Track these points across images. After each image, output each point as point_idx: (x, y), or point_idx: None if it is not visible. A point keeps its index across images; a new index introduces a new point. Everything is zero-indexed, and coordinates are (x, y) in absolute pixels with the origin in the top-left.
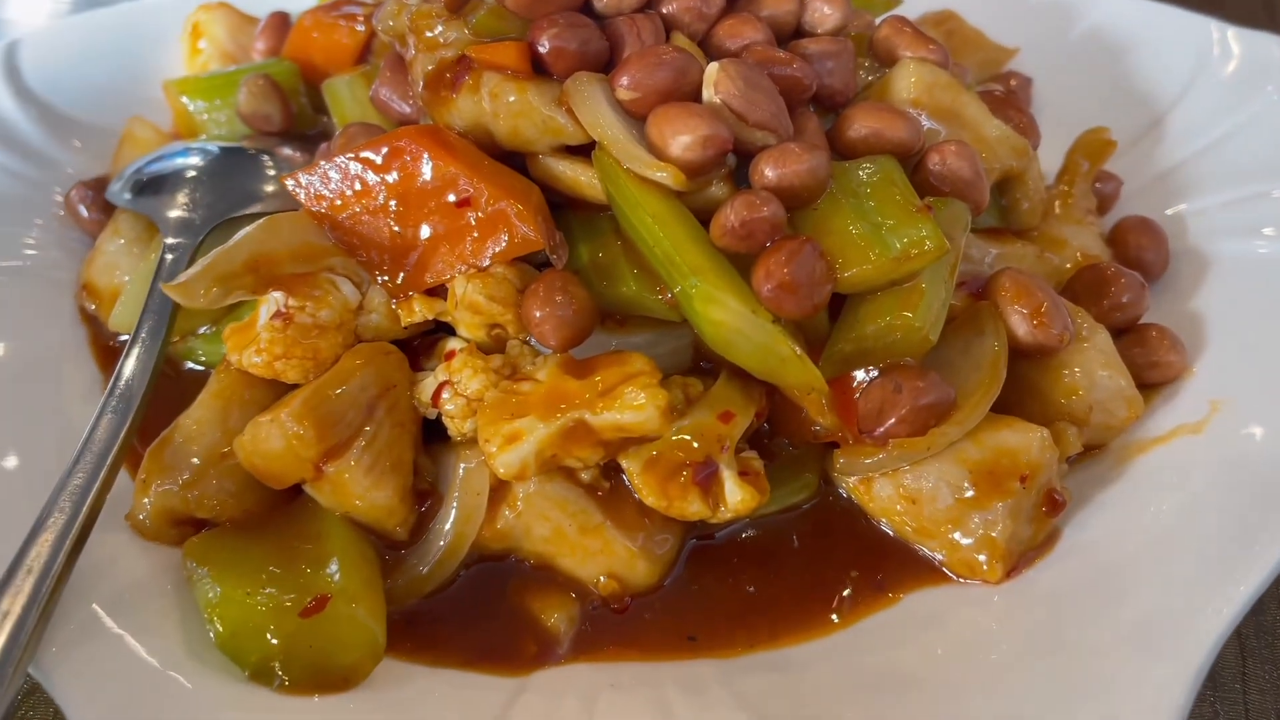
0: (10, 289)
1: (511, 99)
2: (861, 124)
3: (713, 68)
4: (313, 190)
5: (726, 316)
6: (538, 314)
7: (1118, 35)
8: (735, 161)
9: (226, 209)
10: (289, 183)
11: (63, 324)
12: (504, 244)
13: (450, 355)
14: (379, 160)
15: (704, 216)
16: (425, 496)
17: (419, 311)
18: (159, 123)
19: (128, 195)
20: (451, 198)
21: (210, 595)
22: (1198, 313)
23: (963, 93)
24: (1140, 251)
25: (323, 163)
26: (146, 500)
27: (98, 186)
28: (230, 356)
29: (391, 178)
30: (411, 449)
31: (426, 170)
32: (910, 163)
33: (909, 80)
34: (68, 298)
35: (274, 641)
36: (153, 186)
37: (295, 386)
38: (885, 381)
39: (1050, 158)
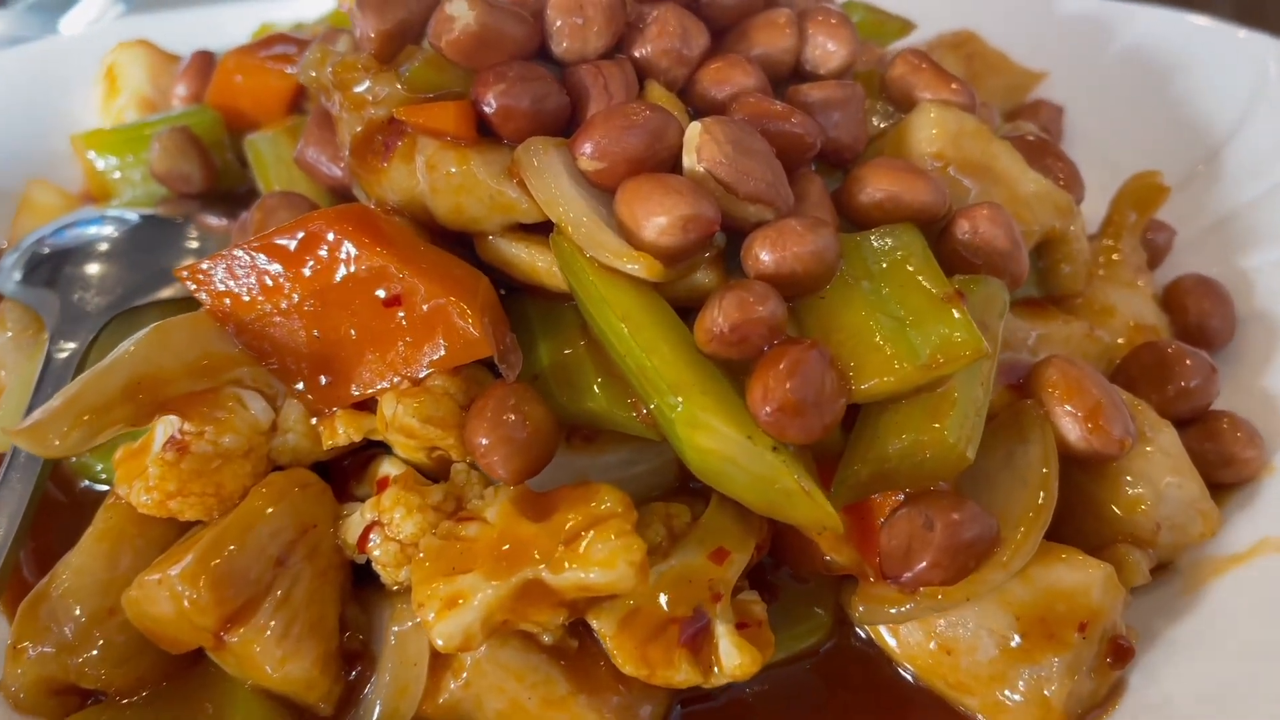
0: None
1: (452, 170)
2: (875, 187)
3: (694, 129)
4: (214, 286)
5: (716, 444)
6: (484, 441)
7: (1160, 55)
8: (725, 240)
9: (127, 296)
10: (184, 275)
11: None
12: (442, 351)
13: (383, 483)
14: (292, 249)
15: (688, 309)
16: (354, 659)
17: (343, 432)
18: (66, 183)
19: (16, 278)
20: (379, 294)
21: None
22: (1272, 392)
23: (993, 141)
24: (1202, 318)
25: (226, 254)
26: (19, 670)
27: None
28: (119, 489)
29: (307, 271)
30: (336, 602)
31: (348, 261)
32: (934, 229)
33: (930, 129)
34: None
35: None
36: (45, 268)
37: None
38: (913, 514)
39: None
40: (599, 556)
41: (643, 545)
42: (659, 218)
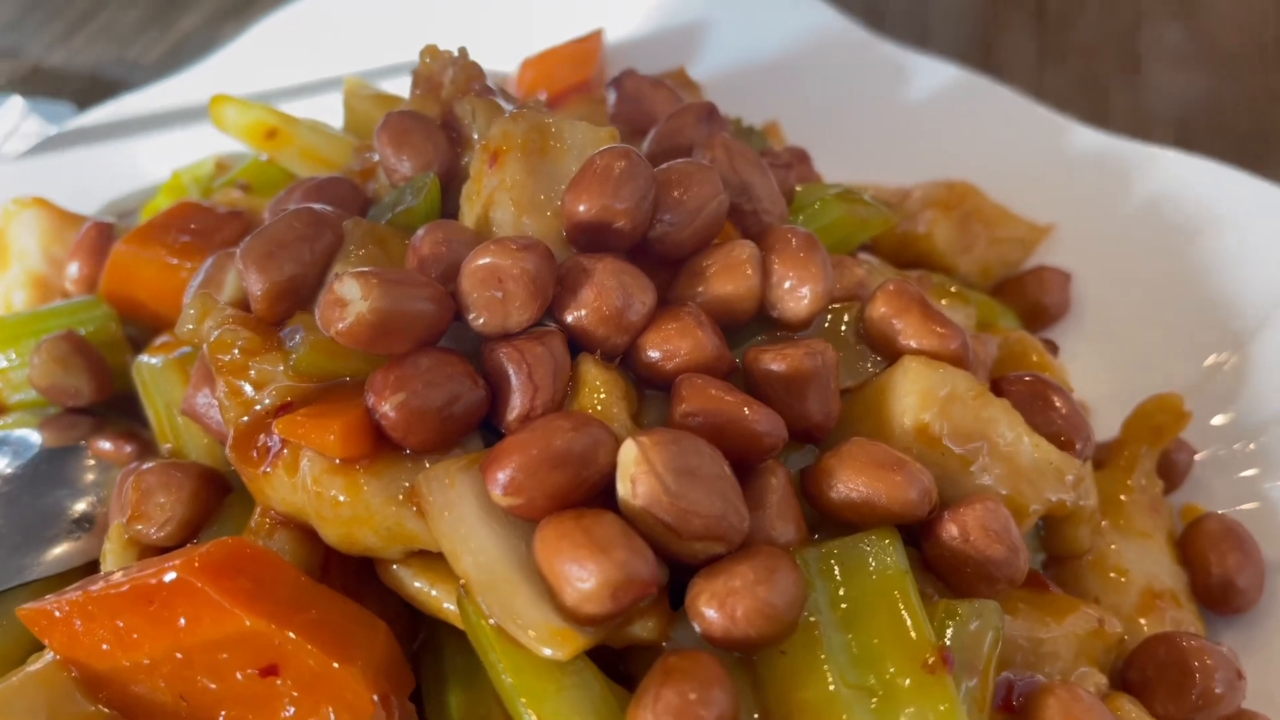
0: None
1: (340, 499)
2: (845, 485)
3: (629, 452)
4: (67, 634)
5: None
6: None
7: (1186, 210)
8: (667, 575)
9: None
10: (28, 618)
11: None
12: None
13: None
14: (149, 600)
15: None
16: None
17: None
18: None
19: None
20: (254, 660)
21: None
22: None
23: (989, 403)
24: (1227, 576)
25: (75, 598)
26: None
27: None
28: None
29: (172, 627)
30: None
31: (212, 623)
32: (915, 527)
33: (913, 396)
34: None
35: None
36: None
37: None
38: None
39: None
40: None
41: None
42: (584, 583)
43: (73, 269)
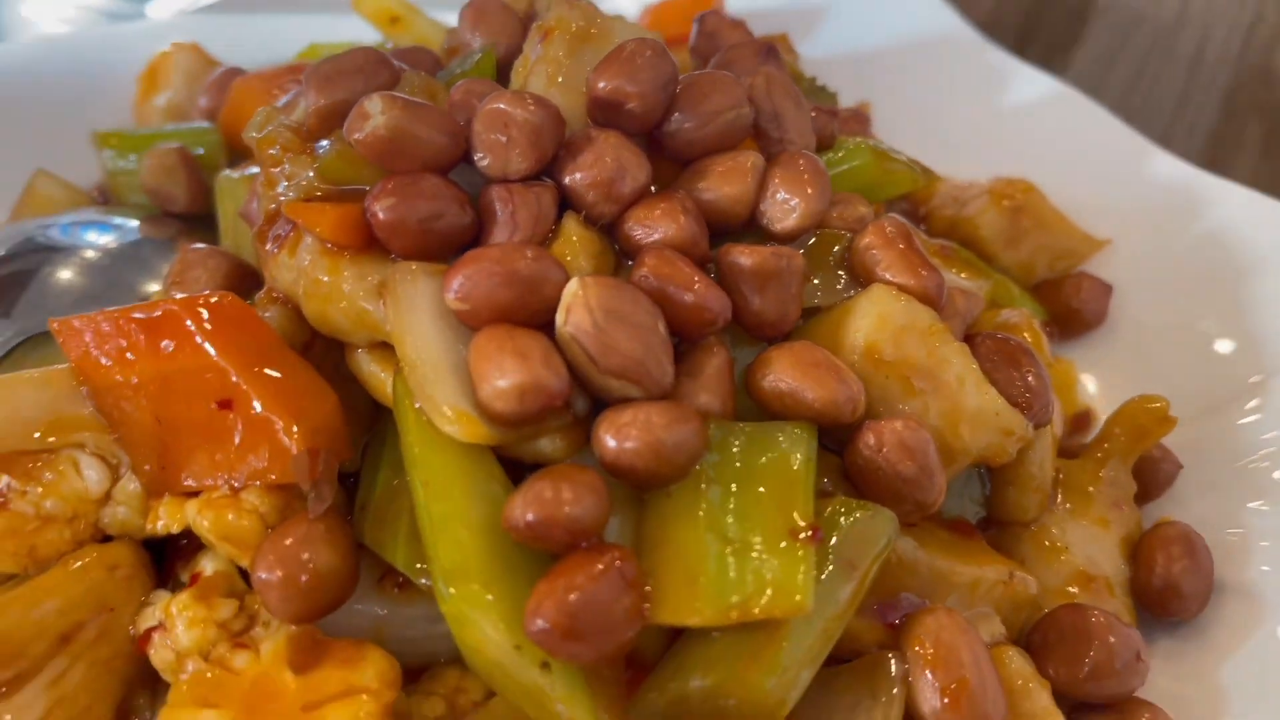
0: None
1: (322, 278)
2: (777, 376)
3: (572, 286)
4: (83, 345)
5: (482, 645)
6: (263, 575)
7: (1246, 247)
8: (587, 407)
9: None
10: (55, 328)
11: None
12: (262, 465)
13: (194, 579)
14: (149, 327)
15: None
16: None
17: (163, 519)
18: (83, 175)
19: None
20: (223, 392)
21: None
22: (1225, 683)
23: (946, 343)
24: (1170, 581)
25: (95, 317)
26: None
27: None
28: None
29: (157, 353)
30: (114, 691)
31: (191, 354)
32: (843, 432)
33: (869, 318)
34: None
35: None
36: (3, 268)
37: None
38: None
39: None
40: None
41: None
42: (498, 380)
43: (202, 100)
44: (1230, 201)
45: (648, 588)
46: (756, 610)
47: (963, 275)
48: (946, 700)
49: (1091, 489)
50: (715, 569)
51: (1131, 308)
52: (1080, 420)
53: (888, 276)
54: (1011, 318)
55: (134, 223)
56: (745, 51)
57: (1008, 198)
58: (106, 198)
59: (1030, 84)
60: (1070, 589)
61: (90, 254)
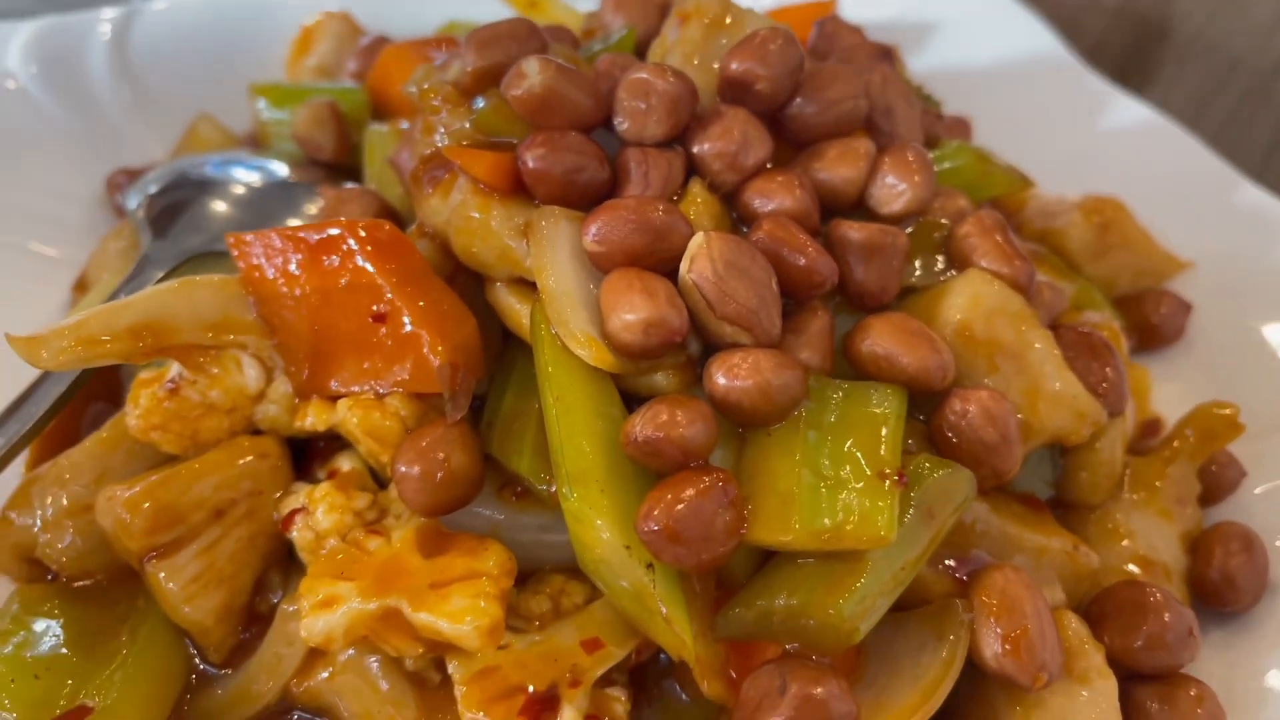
0: (27, 261)
1: (473, 215)
2: (875, 341)
3: (697, 239)
4: (253, 257)
5: (596, 544)
6: (402, 469)
7: None
8: (700, 350)
9: (215, 239)
10: (231, 241)
11: (48, 310)
12: (406, 375)
13: (333, 474)
14: (315, 244)
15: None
16: (258, 621)
17: (310, 420)
18: (235, 122)
19: (140, 199)
20: (372, 308)
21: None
22: (1267, 676)
23: (1035, 329)
24: (1226, 574)
25: (267, 233)
26: (2, 534)
27: (137, 176)
28: (127, 405)
29: (321, 268)
30: (256, 566)
31: (354, 270)
32: (933, 400)
33: (964, 298)
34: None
35: None
36: (172, 194)
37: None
38: (775, 672)
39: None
40: (452, 609)
41: (498, 612)
42: (626, 314)
43: (350, 64)
44: None
45: (747, 509)
46: (845, 536)
47: (1048, 275)
48: (1008, 646)
49: (1158, 484)
50: (809, 498)
51: (1209, 327)
52: (1150, 427)
53: (984, 263)
54: (1094, 318)
55: (281, 166)
56: (862, 52)
57: (1097, 213)
58: (256, 145)
59: (1125, 111)
60: (1130, 568)
61: (242, 189)
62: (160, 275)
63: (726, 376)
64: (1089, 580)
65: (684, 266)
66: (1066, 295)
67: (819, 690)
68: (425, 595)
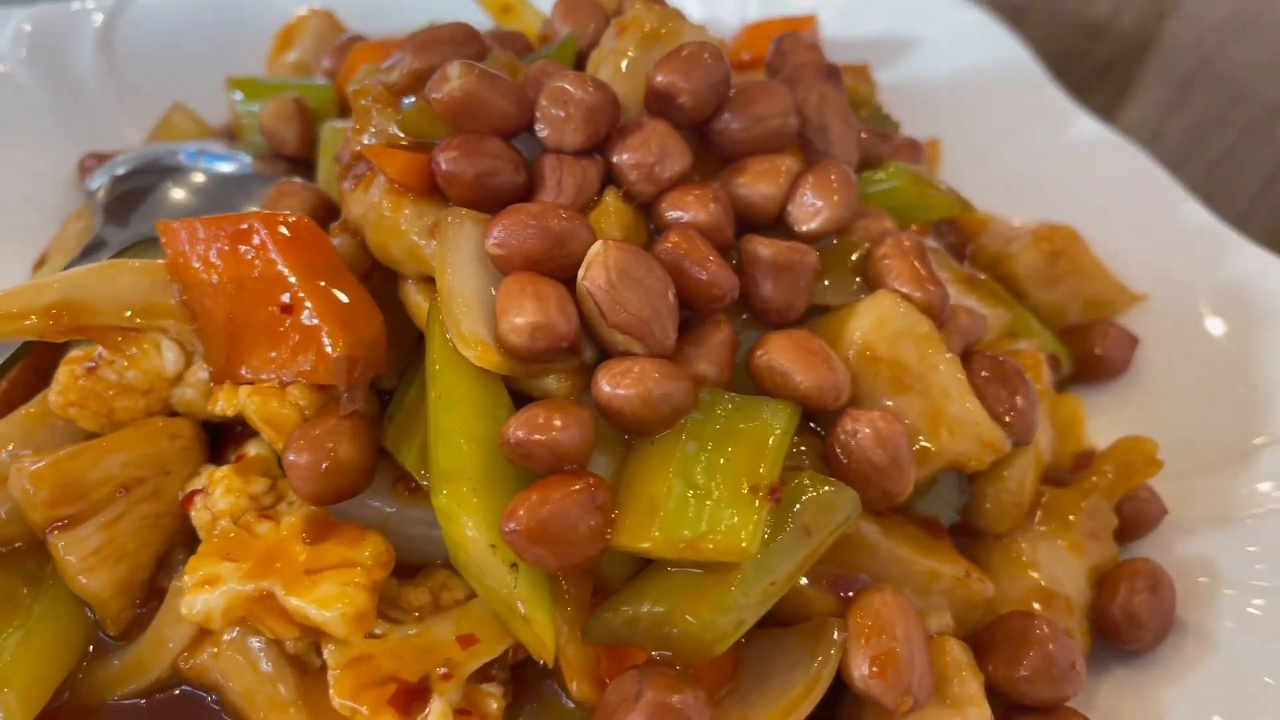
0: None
1: (385, 213)
2: (772, 356)
3: (595, 247)
4: (179, 244)
5: (464, 542)
6: (291, 457)
7: (1268, 308)
8: (594, 357)
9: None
10: (159, 227)
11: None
12: (308, 366)
13: (239, 459)
14: (235, 235)
15: None
16: (157, 596)
17: (220, 405)
18: (216, 114)
19: (100, 181)
20: (285, 298)
21: None
22: (1162, 710)
23: (940, 352)
24: (1129, 611)
25: (192, 222)
26: None
27: (107, 159)
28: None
29: (239, 258)
30: (161, 543)
31: (266, 262)
32: (828, 419)
33: (870, 318)
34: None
35: None
36: (127, 181)
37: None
38: (636, 678)
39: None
40: (321, 595)
41: (365, 601)
42: (515, 317)
43: (325, 62)
44: (1249, 260)
45: (614, 515)
46: (704, 547)
47: (980, 302)
48: (875, 668)
49: (1071, 517)
50: (675, 506)
51: (1157, 361)
52: (1083, 459)
53: (895, 285)
54: (1021, 347)
55: (246, 159)
56: (809, 70)
57: (1047, 241)
58: (231, 137)
59: (1081, 127)
60: (1031, 603)
61: (204, 178)
62: (109, 257)
63: (611, 384)
64: (982, 608)
65: (581, 273)
66: (987, 322)
67: (675, 699)
68: (299, 580)
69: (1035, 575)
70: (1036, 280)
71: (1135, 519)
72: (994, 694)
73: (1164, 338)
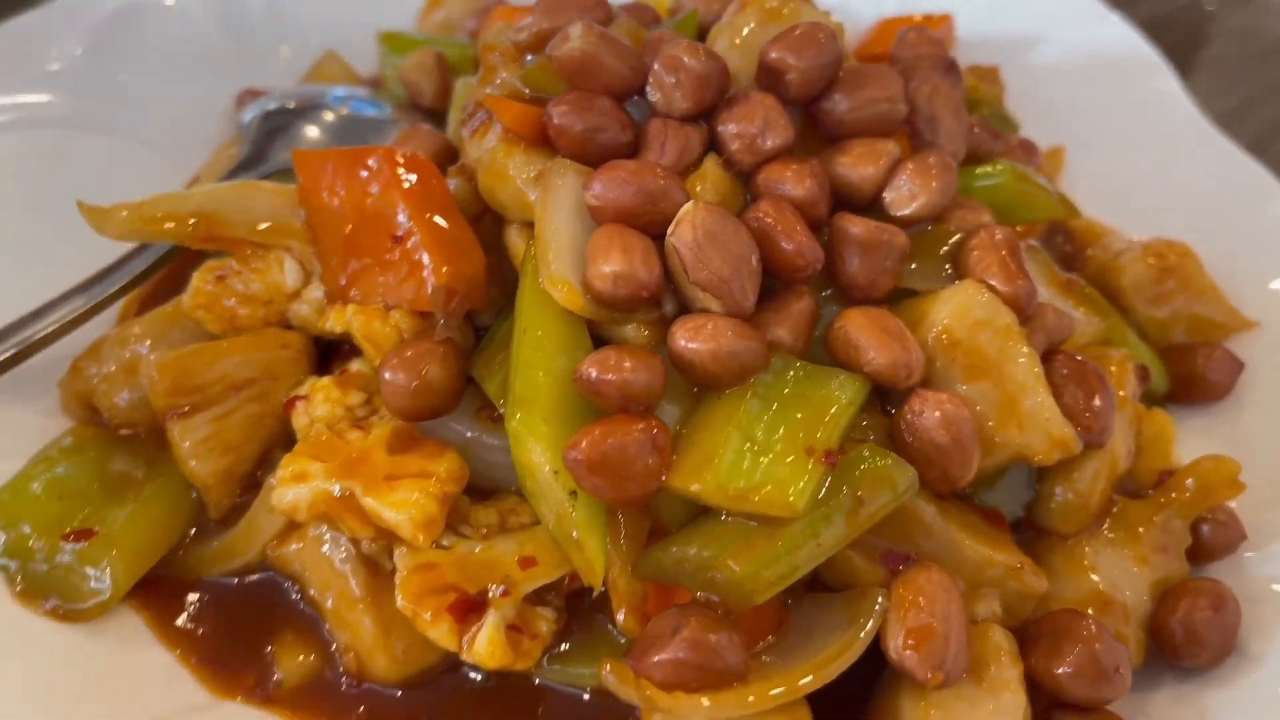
0: (157, 161)
1: (498, 159)
2: (846, 331)
3: (686, 207)
4: (311, 170)
5: (529, 465)
6: (387, 375)
7: None
8: (675, 311)
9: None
10: (296, 156)
11: None
12: (411, 294)
13: (343, 373)
14: (360, 165)
15: None
16: (256, 489)
17: (331, 321)
18: (363, 64)
19: (252, 113)
20: (397, 230)
21: (34, 476)
22: None
23: (1019, 345)
24: (1188, 627)
25: (325, 153)
26: (71, 381)
27: (261, 95)
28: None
29: (360, 188)
30: (263, 441)
31: (385, 193)
32: (900, 399)
33: (953, 305)
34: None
35: (32, 543)
36: (274, 117)
37: None
38: (677, 615)
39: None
40: (396, 499)
41: (434, 509)
42: (602, 265)
43: (468, 23)
44: None
45: (673, 459)
46: (753, 498)
47: (1076, 306)
48: (911, 640)
49: (1141, 529)
50: (732, 457)
51: (1262, 390)
52: (1167, 477)
53: (981, 275)
54: (1110, 353)
55: (386, 106)
56: (925, 62)
57: (1158, 256)
58: (376, 86)
59: (1218, 152)
60: (1086, 606)
61: (343, 119)
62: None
63: (685, 337)
64: (1034, 602)
65: (670, 230)
66: (1074, 324)
67: (711, 637)
68: (378, 484)
69: (1095, 579)
70: (1142, 294)
71: (1211, 540)
72: (1036, 689)
73: (1273, 367)
